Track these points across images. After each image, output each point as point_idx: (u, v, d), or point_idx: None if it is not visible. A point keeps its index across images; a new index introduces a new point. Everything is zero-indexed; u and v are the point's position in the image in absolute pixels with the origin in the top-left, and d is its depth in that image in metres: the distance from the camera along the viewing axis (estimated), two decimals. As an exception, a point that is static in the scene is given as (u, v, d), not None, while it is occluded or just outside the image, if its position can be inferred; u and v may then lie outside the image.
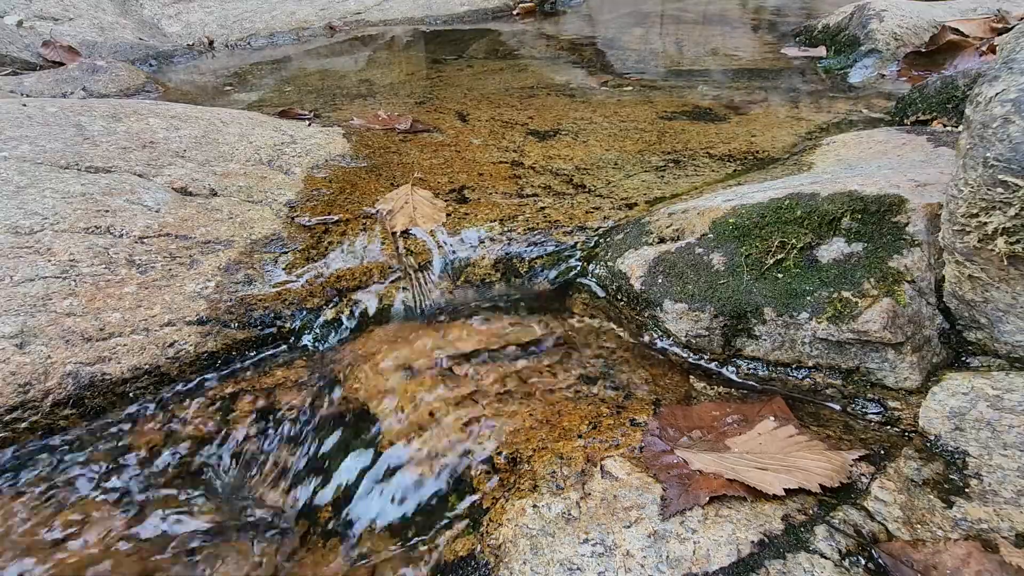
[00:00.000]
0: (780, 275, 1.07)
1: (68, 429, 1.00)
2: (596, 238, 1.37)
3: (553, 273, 1.33)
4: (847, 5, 2.99)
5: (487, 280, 1.33)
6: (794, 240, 1.09)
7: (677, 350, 1.14)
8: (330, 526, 0.93)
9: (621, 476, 0.84)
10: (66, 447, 0.98)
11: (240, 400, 1.08)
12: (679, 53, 3.16)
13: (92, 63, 2.77)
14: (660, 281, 1.17)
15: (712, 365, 1.10)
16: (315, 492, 0.97)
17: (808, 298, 1.03)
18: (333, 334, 1.21)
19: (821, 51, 2.91)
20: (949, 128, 1.67)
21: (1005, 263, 0.89)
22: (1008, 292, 0.92)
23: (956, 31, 2.46)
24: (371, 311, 1.25)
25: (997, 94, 0.86)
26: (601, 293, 1.27)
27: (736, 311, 1.07)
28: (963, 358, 1.00)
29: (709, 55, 3.08)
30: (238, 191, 1.51)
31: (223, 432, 1.04)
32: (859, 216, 1.07)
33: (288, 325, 1.20)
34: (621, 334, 1.20)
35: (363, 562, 0.87)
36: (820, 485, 0.79)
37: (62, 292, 1.12)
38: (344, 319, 1.23)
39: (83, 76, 2.66)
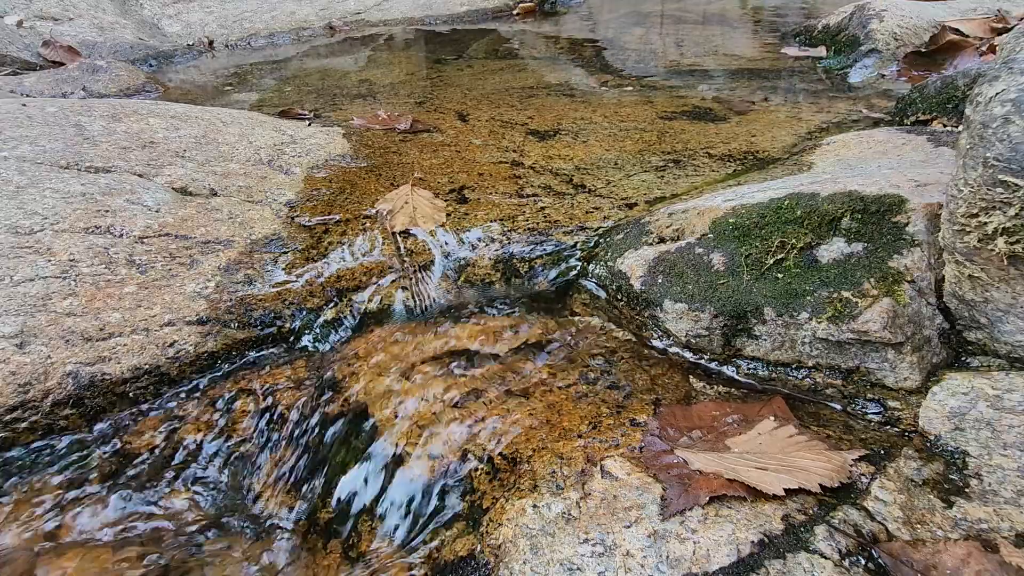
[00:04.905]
0: (780, 275, 1.07)
1: (68, 429, 1.00)
2: (596, 238, 1.37)
3: (553, 273, 1.33)
4: (847, 5, 2.99)
5: (487, 280, 1.33)
6: (794, 240, 1.09)
7: (677, 350, 1.14)
8: (330, 526, 0.93)
9: (621, 476, 0.84)
10: (66, 446, 0.98)
11: (240, 400, 1.08)
12: (679, 53, 3.16)
13: (92, 63, 2.77)
14: (660, 281, 1.17)
15: (712, 365, 1.10)
16: (315, 492, 0.97)
17: (808, 298, 1.03)
18: (333, 334, 1.21)
19: (821, 51, 2.91)
20: (949, 128, 1.67)
21: (1005, 263, 0.89)
22: (1008, 292, 0.92)
23: (956, 31, 2.46)
24: (371, 311, 1.25)
25: (997, 94, 0.86)
26: (601, 293, 1.27)
27: (736, 311, 1.07)
28: (963, 358, 1.00)
29: (709, 55, 3.08)
30: (238, 191, 1.51)
31: (223, 432, 1.04)
32: (859, 216, 1.07)
33: (288, 325, 1.20)
34: (621, 334, 1.20)
35: (363, 562, 0.87)
36: (820, 485, 0.79)
37: (62, 292, 1.12)
38: (344, 319, 1.23)
39: (83, 76, 2.66)
